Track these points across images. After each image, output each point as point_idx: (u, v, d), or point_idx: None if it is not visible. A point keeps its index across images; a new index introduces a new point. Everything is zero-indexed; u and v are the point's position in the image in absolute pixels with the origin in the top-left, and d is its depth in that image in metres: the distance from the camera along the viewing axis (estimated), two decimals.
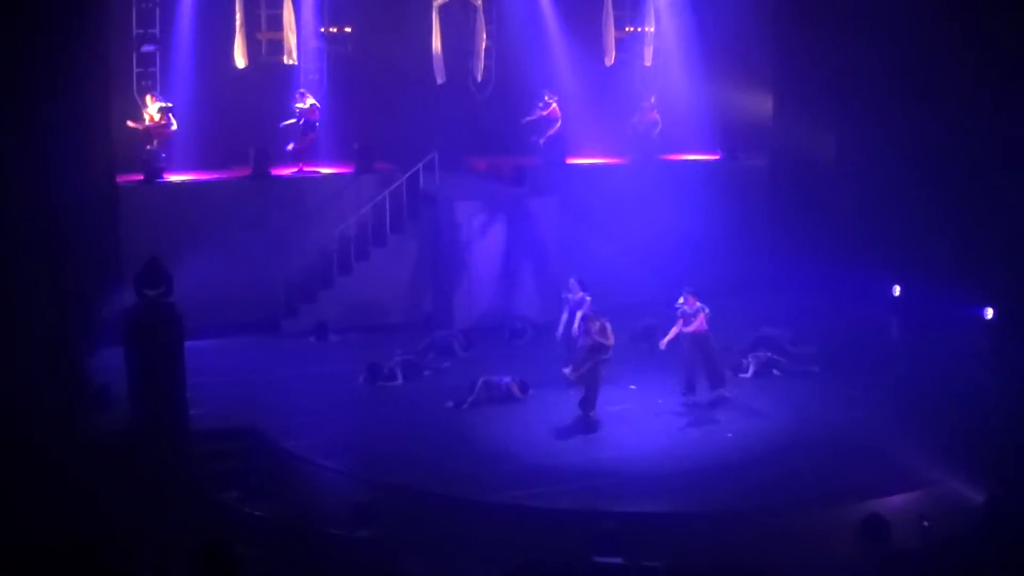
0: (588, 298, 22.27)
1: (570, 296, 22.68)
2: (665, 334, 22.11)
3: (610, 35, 30.38)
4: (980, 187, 24.83)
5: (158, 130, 26.51)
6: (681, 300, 21.75)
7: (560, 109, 28.95)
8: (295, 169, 28.01)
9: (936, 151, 25.60)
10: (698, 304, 21.68)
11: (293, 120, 27.75)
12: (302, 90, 28.05)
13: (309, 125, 27.90)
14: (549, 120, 28.98)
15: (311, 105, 27.80)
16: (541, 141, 29.10)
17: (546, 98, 28.86)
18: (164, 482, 17.88)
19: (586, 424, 20.94)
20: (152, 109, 26.53)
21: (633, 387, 21.68)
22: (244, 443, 20.51)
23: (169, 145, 26.75)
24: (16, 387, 18.88)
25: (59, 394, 19.58)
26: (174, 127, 26.60)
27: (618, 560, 14.20)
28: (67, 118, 21.49)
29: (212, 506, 17.79)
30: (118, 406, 20.38)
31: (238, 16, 27.56)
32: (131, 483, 17.35)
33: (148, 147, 26.39)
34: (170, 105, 26.59)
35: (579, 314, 21.92)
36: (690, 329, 21.62)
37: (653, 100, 30.04)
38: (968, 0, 24.84)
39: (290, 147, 27.88)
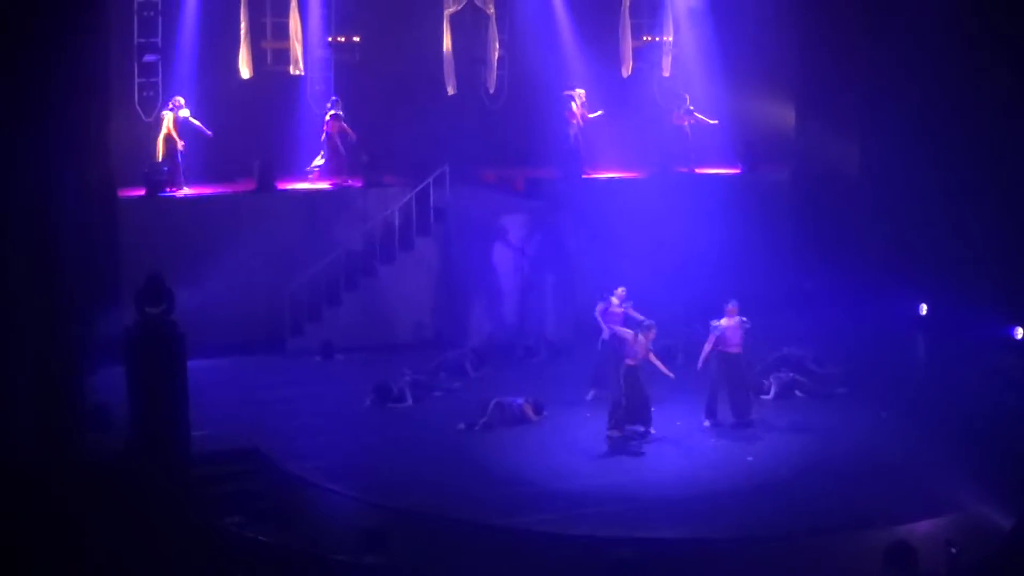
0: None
1: (612, 308, 22.33)
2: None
3: (627, 44, 30.08)
4: (1011, 201, 24.48)
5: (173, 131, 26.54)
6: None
7: (580, 115, 28.59)
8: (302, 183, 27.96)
9: (964, 163, 25.22)
10: (724, 321, 21.29)
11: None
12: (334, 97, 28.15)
13: (327, 138, 27.84)
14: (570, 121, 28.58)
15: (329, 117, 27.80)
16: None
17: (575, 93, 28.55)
18: (163, 506, 17.65)
19: (602, 446, 20.61)
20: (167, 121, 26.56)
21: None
22: (247, 466, 20.31)
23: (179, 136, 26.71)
24: (11, 406, 18.59)
25: (56, 414, 19.16)
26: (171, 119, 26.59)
27: None
28: (65, 129, 21.08)
29: (213, 531, 17.36)
30: (117, 427, 20.15)
31: (243, 25, 27.52)
32: (129, 506, 17.12)
33: (179, 150, 26.48)
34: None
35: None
36: (709, 346, 21.33)
37: (688, 99, 29.58)
38: (998, 6, 24.48)
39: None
